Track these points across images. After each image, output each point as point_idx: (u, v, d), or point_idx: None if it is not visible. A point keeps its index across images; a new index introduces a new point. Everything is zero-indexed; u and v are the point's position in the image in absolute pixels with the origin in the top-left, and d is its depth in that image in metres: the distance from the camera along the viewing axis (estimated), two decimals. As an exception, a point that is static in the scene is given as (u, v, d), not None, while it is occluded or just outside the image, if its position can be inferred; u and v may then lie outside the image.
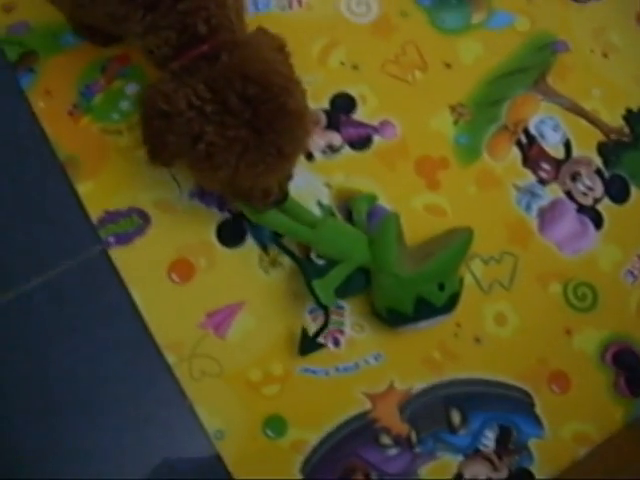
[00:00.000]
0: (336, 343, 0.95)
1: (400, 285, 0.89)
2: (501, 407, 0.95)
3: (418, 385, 0.95)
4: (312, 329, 0.92)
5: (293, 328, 0.94)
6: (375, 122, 1.04)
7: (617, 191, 1.06)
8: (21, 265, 0.96)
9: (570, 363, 0.98)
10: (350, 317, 0.96)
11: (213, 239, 0.97)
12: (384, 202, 1.00)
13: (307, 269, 0.91)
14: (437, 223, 1.00)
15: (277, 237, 0.94)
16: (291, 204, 0.94)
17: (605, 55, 1.12)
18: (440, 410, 0.95)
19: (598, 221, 1.05)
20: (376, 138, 1.03)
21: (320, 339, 0.92)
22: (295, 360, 0.94)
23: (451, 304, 0.92)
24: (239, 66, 0.75)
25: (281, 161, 0.78)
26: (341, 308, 0.96)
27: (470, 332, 0.98)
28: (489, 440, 0.94)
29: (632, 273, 1.03)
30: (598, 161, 1.07)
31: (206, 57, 0.77)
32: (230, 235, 0.97)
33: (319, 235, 0.92)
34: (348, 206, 0.98)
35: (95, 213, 0.97)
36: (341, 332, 0.96)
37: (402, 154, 1.03)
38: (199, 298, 0.95)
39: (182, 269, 0.96)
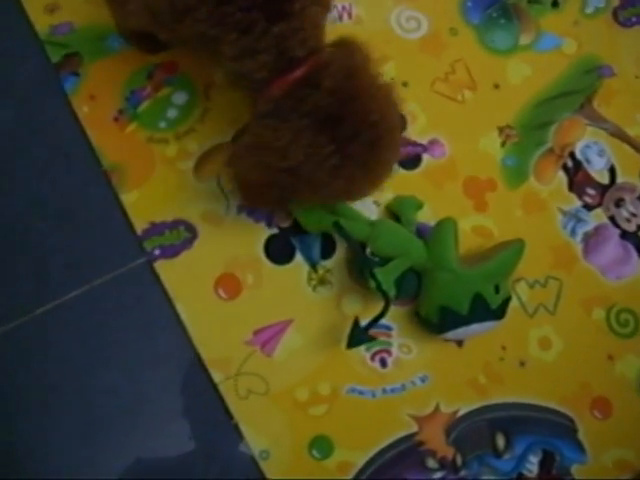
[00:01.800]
0: (383, 364, 0.95)
1: (459, 281, 0.89)
2: (545, 432, 0.96)
3: (464, 408, 0.95)
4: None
5: (340, 348, 0.93)
6: (424, 141, 1.03)
7: (658, 217, 1.07)
8: (61, 275, 0.93)
9: (612, 389, 0.99)
10: (397, 338, 0.96)
11: (261, 255, 0.96)
12: (432, 221, 0.99)
13: (365, 257, 0.90)
14: (484, 244, 0.99)
15: (338, 224, 0.90)
16: (346, 207, 0.94)
17: (650, 81, 1.13)
18: (485, 434, 0.95)
19: (641, 247, 1.06)
20: (425, 157, 1.03)
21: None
22: (342, 380, 0.93)
23: (503, 310, 0.92)
24: (349, 99, 0.74)
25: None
26: (389, 329, 0.95)
27: (515, 355, 0.98)
28: (533, 465, 0.94)
29: (672, 300, 1.04)
30: (641, 187, 1.08)
31: (308, 82, 0.75)
32: (278, 252, 0.96)
33: (377, 231, 0.91)
34: (395, 210, 0.98)
35: (140, 224, 0.95)
36: (388, 353, 0.95)
37: (450, 174, 1.02)
38: (246, 315, 0.94)
39: (229, 285, 0.94)
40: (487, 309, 0.89)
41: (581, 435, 0.96)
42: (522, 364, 0.98)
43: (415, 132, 1.03)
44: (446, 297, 0.89)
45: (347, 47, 0.79)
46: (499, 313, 0.91)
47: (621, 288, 1.03)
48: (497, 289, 0.90)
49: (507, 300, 0.92)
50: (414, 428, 0.93)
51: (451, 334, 0.91)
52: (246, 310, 0.94)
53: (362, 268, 0.89)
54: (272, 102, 0.76)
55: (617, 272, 1.03)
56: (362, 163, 0.76)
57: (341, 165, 0.75)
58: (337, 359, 0.93)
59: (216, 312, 0.93)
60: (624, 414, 0.98)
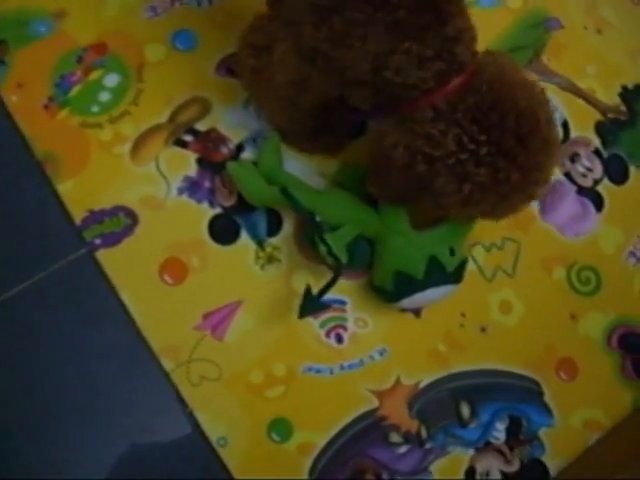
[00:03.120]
0: (339, 340, 0.92)
1: (412, 244, 0.86)
2: (510, 397, 0.93)
3: (425, 379, 0.92)
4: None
5: (294, 326, 0.90)
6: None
7: (616, 171, 1.04)
8: (0, 273, 0.90)
9: (577, 349, 0.96)
10: (352, 312, 0.93)
11: (205, 236, 0.92)
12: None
13: (316, 224, 0.86)
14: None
15: (285, 190, 0.87)
16: (289, 178, 0.91)
17: (599, 31, 1.10)
18: (449, 404, 0.92)
19: (598, 203, 1.03)
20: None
21: (325, 298, 0.86)
22: (298, 360, 0.90)
23: (460, 273, 0.88)
24: (506, 99, 0.70)
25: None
26: (343, 303, 0.92)
27: (475, 322, 0.95)
28: (500, 432, 0.92)
29: (634, 254, 1.01)
30: (596, 141, 1.04)
31: (471, 87, 0.70)
32: (223, 232, 0.93)
33: (325, 199, 0.88)
34: (342, 181, 0.94)
35: (78, 214, 0.91)
36: (344, 328, 0.92)
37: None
38: (194, 299, 0.90)
39: (174, 269, 0.91)
40: (443, 272, 0.86)
41: (547, 398, 0.94)
42: (483, 330, 0.95)
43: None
44: (400, 261, 0.86)
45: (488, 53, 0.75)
46: (456, 276, 0.88)
47: (581, 245, 1.00)
48: (452, 252, 0.87)
49: (463, 263, 0.89)
50: (375, 403, 0.90)
51: (407, 301, 0.87)
52: (194, 294, 0.91)
53: (312, 235, 0.85)
54: (431, 112, 0.71)
55: (575, 229, 1.00)
56: (511, 156, 0.70)
57: (490, 156, 0.70)
58: (291, 338, 0.90)
59: (163, 298, 0.90)
60: (590, 373, 0.96)
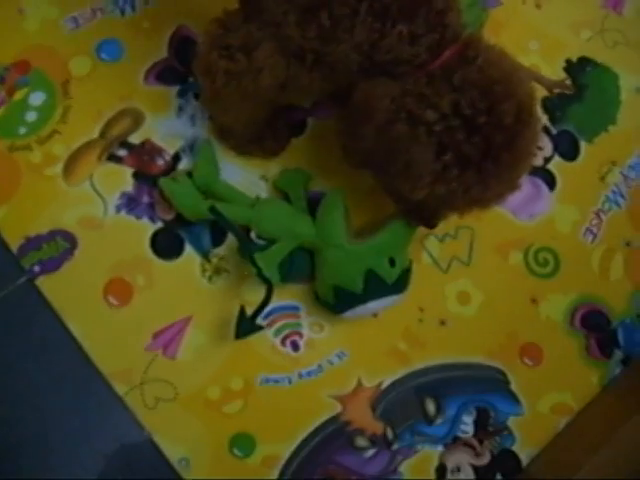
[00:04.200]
0: (295, 347, 0.89)
1: (349, 258, 0.83)
2: (475, 389, 0.91)
3: (387, 379, 0.90)
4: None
5: (247, 338, 0.87)
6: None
7: (566, 147, 1.02)
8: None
9: (540, 333, 0.94)
10: (307, 318, 0.90)
11: (149, 253, 0.89)
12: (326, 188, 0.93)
13: (247, 242, 0.84)
14: (381, 207, 0.93)
15: (214, 208, 0.84)
16: (226, 189, 0.88)
17: (538, 6, 1.07)
18: (413, 402, 0.90)
19: (551, 181, 1.00)
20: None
21: (260, 320, 0.84)
22: (254, 372, 0.88)
23: (402, 283, 0.86)
24: (512, 75, 0.68)
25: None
26: (296, 309, 0.90)
27: (434, 315, 0.93)
28: (467, 425, 0.90)
29: (591, 231, 0.99)
30: (544, 118, 1.02)
31: (467, 57, 0.68)
32: (166, 247, 0.90)
33: (259, 213, 0.85)
34: (281, 187, 0.92)
35: (14, 241, 0.88)
36: (299, 334, 0.89)
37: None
38: (142, 319, 0.88)
39: (119, 290, 0.88)
40: (383, 285, 0.83)
41: (514, 386, 0.92)
42: (442, 323, 0.93)
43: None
44: (338, 276, 0.83)
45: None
46: (398, 287, 0.85)
47: (536, 227, 0.98)
48: (393, 262, 0.84)
49: (407, 271, 0.86)
50: (338, 408, 0.88)
51: (349, 313, 0.85)
52: (141, 314, 0.88)
53: (244, 254, 0.83)
54: (424, 78, 0.69)
55: (529, 211, 0.98)
56: (510, 134, 0.67)
57: (488, 127, 0.66)
58: (245, 350, 0.88)
59: (110, 321, 0.87)
60: (555, 356, 0.94)
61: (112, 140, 0.92)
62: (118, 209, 0.90)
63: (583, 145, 1.02)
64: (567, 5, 1.08)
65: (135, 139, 0.92)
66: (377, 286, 0.83)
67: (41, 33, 0.95)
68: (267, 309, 0.85)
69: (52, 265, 0.87)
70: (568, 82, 1.04)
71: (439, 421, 0.90)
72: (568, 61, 1.05)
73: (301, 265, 0.86)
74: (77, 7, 0.96)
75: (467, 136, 0.66)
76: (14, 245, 0.88)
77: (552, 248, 0.97)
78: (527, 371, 0.93)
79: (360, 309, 0.84)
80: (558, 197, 1.00)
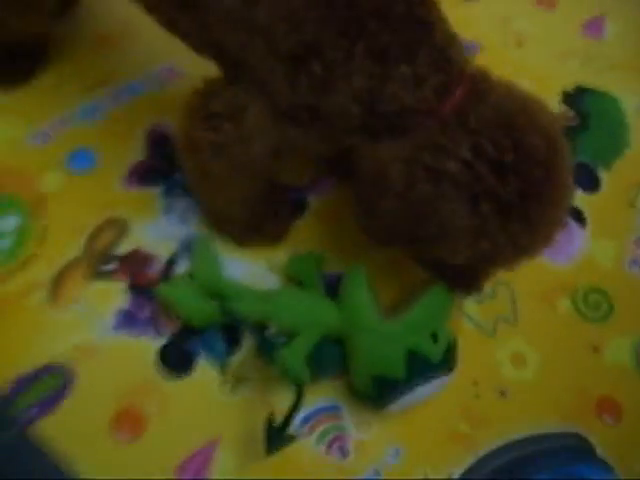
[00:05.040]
0: (343, 453, 0.76)
1: (384, 341, 0.72)
2: (559, 462, 0.78)
3: (457, 469, 0.77)
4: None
5: (285, 452, 0.73)
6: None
7: (585, 180, 0.95)
8: None
9: (612, 384, 0.83)
10: (350, 417, 0.78)
11: (156, 374, 0.78)
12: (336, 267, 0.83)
13: (266, 338, 0.74)
14: (409, 275, 0.83)
15: (223, 305, 0.75)
16: (232, 286, 0.79)
17: (519, 44, 1.04)
18: (492, 491, 0.77)
19: (579, 218, 0.92)
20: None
21: (292, 430, 0.71)
22: (300, 489, 0.74)
23: (450, 360, 0.75)
24: (531, 108, 0.61)
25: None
26: (338, 410, 0.78)
27: (491, 387, 0.81)
28: (561, 507, 0.77)
29: (636, 262, 0.90)
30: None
31: (476, 94, 0.61)
32: (176, 363, 0.78)
33: (275, 306, 0.75)
34: (292, 274, 0.82)
35: (3, 384, 0.76)
36: (345, 437, 0.77)
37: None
38: (160, 452, 0.75)
39: (128, 422, 0.76)
40: (428, 365, 0.72)
41: (600, 451, 0.79)
42: (502, 394, 0.81)
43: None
44: (375, 363, 0.72)
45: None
46: (447, 364, 0.74)
47: (576, 268, 0.89)
48: (435, 337, 0.73)
49: (453, 345, 0.76)
50: (408, 514, 0.75)
51: (397, 406, 0.73)
52: (158, 446, 0.75)
53: (265, 353, 0.73)
54: (437, 125, 0.61)
55: (565, 252, 0.89)
56: (545, 166, 0.60)
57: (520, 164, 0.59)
58: (286, 466, 0.75)
59: (121, 460, 0.74)
60: (636, 406, 0.82)
61: (97, 255, 0.83)
62: (116, 329, 0.79)
63: (602, 174, 0.96)
64: (547, 38, 1.05)
65: (122, 250, 0.83)
66: (422, 368, 0.72)
67: (4, 153, 0.88)
68: (303, 414, 0.74)
69: (49, 404, 0.75)
70: (570, 113, 0.99)
71: (529, 507, 0.76)
72: (564, 92, 1.01)
73: (331, 357, 0.75)
74: (42, 121, 0.90)
75: (499, 179, 0.58)
76: (4, 388, 0.76)
77: (600, 287, 0.88)
78: (609, 430, 0.81)
79: (408, 398, 0.72)
80: (592, 233, 0.91)
